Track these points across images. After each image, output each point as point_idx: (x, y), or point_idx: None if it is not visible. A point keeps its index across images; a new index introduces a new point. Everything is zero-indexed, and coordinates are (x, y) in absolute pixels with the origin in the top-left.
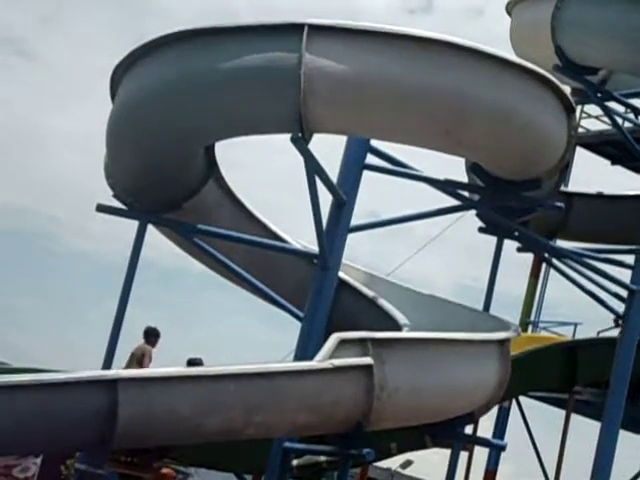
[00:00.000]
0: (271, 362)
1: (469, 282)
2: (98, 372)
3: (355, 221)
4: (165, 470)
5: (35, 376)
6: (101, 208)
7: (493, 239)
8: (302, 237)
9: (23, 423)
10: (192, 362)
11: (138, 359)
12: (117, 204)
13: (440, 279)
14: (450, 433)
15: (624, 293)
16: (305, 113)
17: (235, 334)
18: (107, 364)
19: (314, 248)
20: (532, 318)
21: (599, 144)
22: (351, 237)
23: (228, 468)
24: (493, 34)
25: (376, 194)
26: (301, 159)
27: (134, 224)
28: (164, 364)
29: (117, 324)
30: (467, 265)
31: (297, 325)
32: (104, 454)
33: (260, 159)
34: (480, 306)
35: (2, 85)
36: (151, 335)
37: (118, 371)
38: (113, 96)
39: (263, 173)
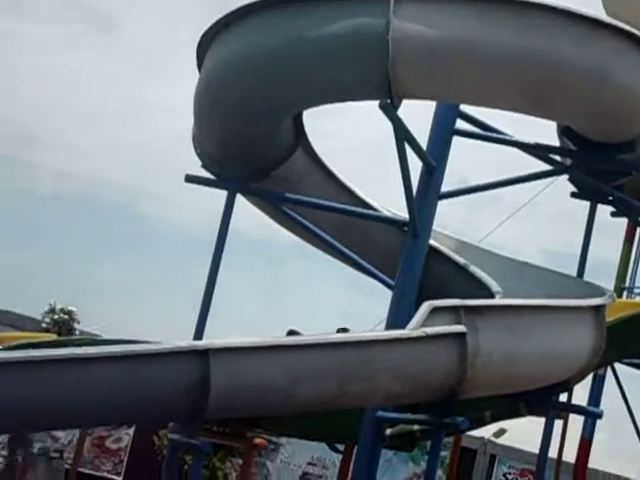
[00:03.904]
0: (363, 331)
1: (559, 249)
2: (190, 342)
3: (445, 188)
4: (257, 440)
5: (126, 347)
6: (190, 178)
7: (585, 205)
8: (391, 205)
9: (114, 394)
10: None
11: None
12: (206, 174)
13: (529, 246)
14: (545, 401)
15: None
16: (393, 79)
17: (326, 304)
18: (198, 334)
19: (404, 215)
20: (627, 284)
21: None
22: (441, 204)
23: (320, 438)
24: None
25: (465, 161)
26: (389, 126)
27: (220, 195)
28: (256, 335)
29: (208, 294)
30: (556, 232)
31: (388, 294)
32: (197, 425)
33: (348, 127)
34: (570, 273)
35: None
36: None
37: (210, 341)
38: (200, 66)
39: (351, 141)
